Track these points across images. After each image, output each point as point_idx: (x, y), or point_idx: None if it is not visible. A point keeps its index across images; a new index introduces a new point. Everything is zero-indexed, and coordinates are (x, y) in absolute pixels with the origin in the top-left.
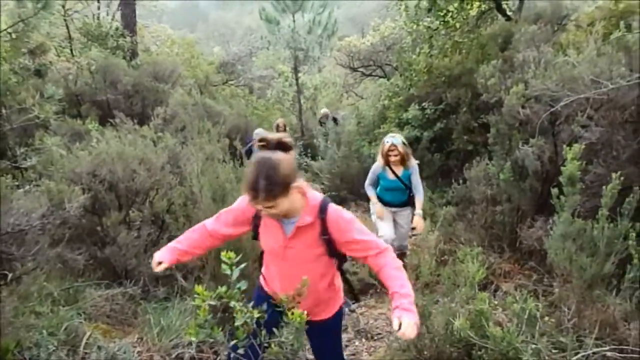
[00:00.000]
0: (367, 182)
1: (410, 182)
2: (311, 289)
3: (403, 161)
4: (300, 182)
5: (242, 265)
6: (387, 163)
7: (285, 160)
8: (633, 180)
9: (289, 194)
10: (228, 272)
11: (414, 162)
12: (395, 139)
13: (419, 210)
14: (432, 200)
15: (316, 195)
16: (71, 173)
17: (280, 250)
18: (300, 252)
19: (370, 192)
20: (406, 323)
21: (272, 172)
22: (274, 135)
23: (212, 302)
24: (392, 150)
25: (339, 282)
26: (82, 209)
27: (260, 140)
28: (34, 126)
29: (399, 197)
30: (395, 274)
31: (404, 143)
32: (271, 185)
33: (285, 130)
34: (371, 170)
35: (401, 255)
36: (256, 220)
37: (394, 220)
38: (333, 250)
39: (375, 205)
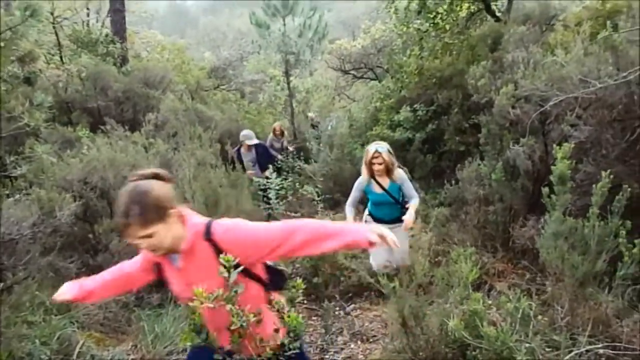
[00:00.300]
0: (348, 201)
1: (400, 194)
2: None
3: (388, 171)
4: (181, 210)
5: (240, 268)
6: (372, 174)
7: (158, 186)
8: (622, 178)
9: (165, 221)
10: (225, 274)
11: (401, 172)
12: (380, 146)
13: (410, 211)
14: (425, 202)
15: (200, 220)
16: (62, 181)
17: (186, 291)
18: (205, 288)
19: (348, 214)
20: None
21: (143, 197)
22: (148, 170)
23: (210, 305)
24: (375, 158)
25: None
26: (73, 216)
27: (134, 175)
28: (24, 134)
29: (389, 213)
30: (321, 225)
31: (389, 152)
32: (143, 210)
33: (282, 134)
34: (354, 187)
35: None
36: (158, 265)
37: None
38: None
39: None
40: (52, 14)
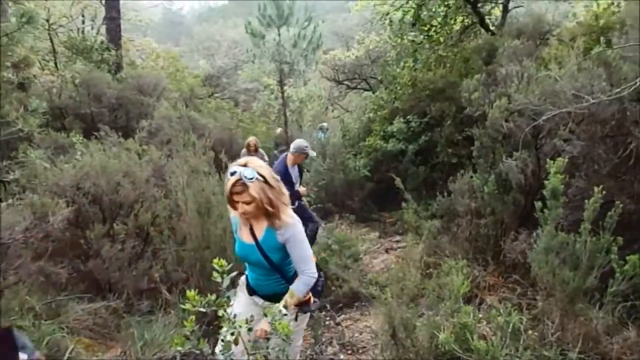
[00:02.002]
0: None
1: (282, 255)
2: None
3: (268, 215)
4: None
5: (234, 274)
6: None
7: None
8: (614, 194)
9: None
10: (219, 279)
11: (293, 222)
12: (245, 169)
13: (283, 302)
14: (417, 213)
15: None
16: (55, 186)
17: None
18: None
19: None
20: None
21: None
22: None
23: (202, 309)
24: (238, 194)
25: None
26: (65, 222)
27: None
28: (17, 139)
29: (264, 283)
30: None
31: (264, 180)
32: None
33: (256, 150)
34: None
35: None
36: None
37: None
38: None
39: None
40: (47, 20)
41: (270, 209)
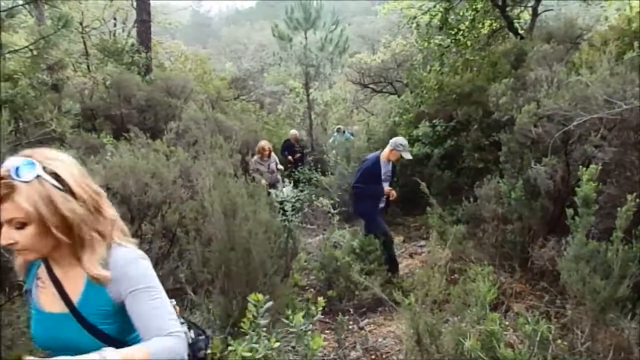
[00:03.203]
0: None
1: (121, 323)
2: None
3: (72, 250)
4: None
5: (269, 304)
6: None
7: None
8: None
9: None
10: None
11: (126, 257)
12: (22, 161)
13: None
14: (442, 218)
15: None
16: None
17: None
18: None
19: None
20: None
21: None
22: None
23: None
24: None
25: None
26: None
27: None
28: (50, 139)
29: None
30: None
31: (57, 180)
32: None
33: (269, 155)
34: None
35: None
36: None
37: None
38: None
39: None
40: (81, 23)
41: (64, 238)
